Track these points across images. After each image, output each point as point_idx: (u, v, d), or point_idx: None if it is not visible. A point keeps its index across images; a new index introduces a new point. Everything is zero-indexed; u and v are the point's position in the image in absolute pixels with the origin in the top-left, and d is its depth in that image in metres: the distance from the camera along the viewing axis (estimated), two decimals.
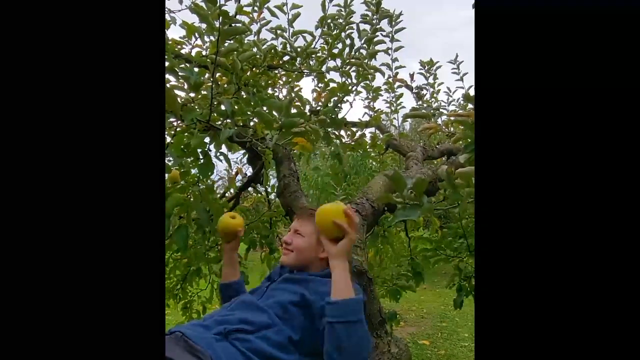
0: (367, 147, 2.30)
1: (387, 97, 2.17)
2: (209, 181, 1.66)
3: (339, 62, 1.77)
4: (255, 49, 1.58)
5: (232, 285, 1.30)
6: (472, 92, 2.15)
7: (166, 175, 1.34)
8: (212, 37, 1.46)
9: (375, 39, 1.73)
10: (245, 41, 1.57)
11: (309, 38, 1.77)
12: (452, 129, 2.15)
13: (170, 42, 1.69)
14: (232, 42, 1.36)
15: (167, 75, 1.18)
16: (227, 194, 2.32)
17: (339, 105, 1.85)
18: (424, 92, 2.32)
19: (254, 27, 1.70)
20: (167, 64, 1.17)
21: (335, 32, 1.74)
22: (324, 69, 1.81)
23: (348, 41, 1.74)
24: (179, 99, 1.34)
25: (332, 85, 1.86)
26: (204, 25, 1.32)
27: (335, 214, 0.95)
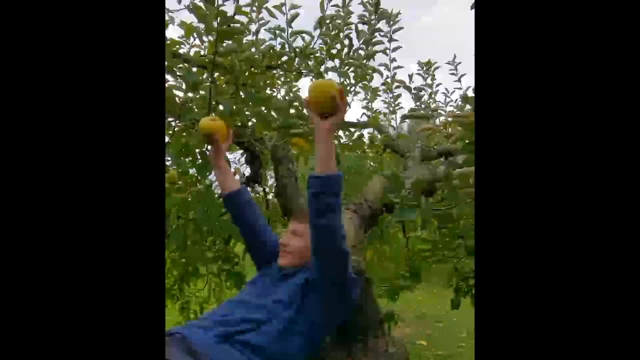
0: (365, 147, 2.30)
1: (386, 98, 2.17)
2: (207, 181, 1.66)
3: (337, 62, 1.77)
4: (253, 49, 1.58)
5: (232, 197, 1.25)
6: (470, 93, 2.16)
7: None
8: (210, 37, 1.46)
9: (374, 40, 1.73)
10: (244, 41, 1.56)
11: (307, 38, 1.77)
12: (450, 129, 2.15)
13: (168, 42, 1.69)
14: (230, 42, 1.36)
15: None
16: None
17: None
18: (422, 92, 2.33)
19: (253, 28, 1.70)
20: (165, 63, 1.16)
21: (333, 32, 1.74)
22: (322, 69, 1.81)
23: (346, 41, 1.74)
24: (177, 99, 1.34)
25: None
26: (202, 25, 1.31)
27: (330, 88, 0.96)
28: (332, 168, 0.97)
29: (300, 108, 1.52)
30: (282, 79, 2.03)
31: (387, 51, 1.85)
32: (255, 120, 1.49)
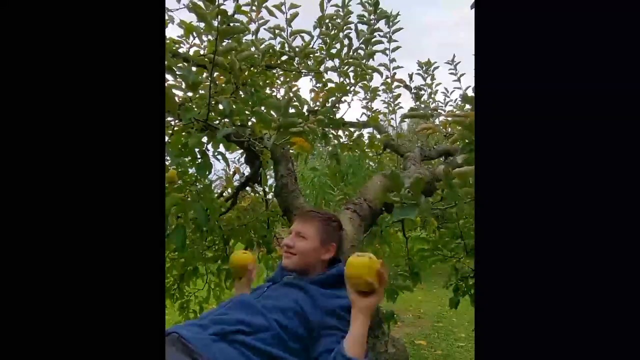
0: (365, 147, 2.30)
1: (385, 98, 2.18)
2: (206, 181, 1.66)
3: (337, 62, 1.77)
4: (253, 49, 1.58)
5: None
6: (470, 93, 2.16)
7: None
8: (210, 37, 1.46)
9: (373, 39, 1.73)
10: (244, 41, 1.56)
11: (307, 38, 1.77)
12: (449, 129, 2.16)
13: (168, 41, 1.69)
14: (230, 41, 1.36)
15: None
16: (224, 194, 2.32)
17: (337, 105, 1.85)
18: (422, 92, 2.32)
19: (252, 27, 1.70)
20: (165, 63, 1.16)
21: (333, 32, 1.74)
22: (322, 68, 1.81)
23: (346, 41, 1.74)
24: (176, 98, 1.34)
25: (330, 85, 1.86)
26: (202, 25, 1.31)
27: (368, 271, 0.92)
28: (361, 354, 0.90)
29: (299, 107, 1.52)
30: (282, 78, 2.03)
31: (387, 51, 1.85)
32: (254, 120, 1.49)
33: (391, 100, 2.17)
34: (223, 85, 1.55)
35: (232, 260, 1.26)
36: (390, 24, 1.80)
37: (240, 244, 1.37)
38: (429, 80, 2.30)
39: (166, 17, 1.68)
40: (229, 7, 1.24)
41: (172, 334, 0.88)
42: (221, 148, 1.33)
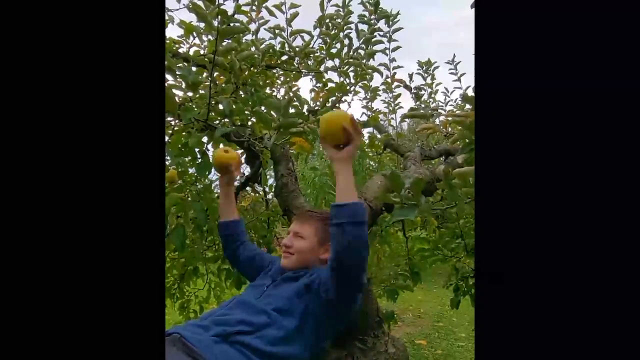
0: (365, 147, 2.30)
1: (385, 98, 2.17)
2: (206, 180, 1.66)
3: (337, 62, 1.76)
4: (253, 49, 1.58)
5: (229, 225, 1.31)
6: (470, 93, 2.15)
7: None
8: (210, 36, 1.46)
9: (374, 39, 1.73)
10: (244, 40, 1.56)
11: (307, 38, 1.77)
12: (450, 129, 2.16)
13: (168, 41, 1.69)
14: (230, 41, 1.36)
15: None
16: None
17: (337, 105, 1.85)
18: (422, 92, 2.32)
19: (252, 27, 1.70)
20: (165, 63, 1.16)
21: (333, 32, 1.74)
22: (322, 68, 1.81)
23: (346, 41, 1.74)
24: (176, 98, 1.34)
25: (330, 85, 1.86)
26: (202, 24, 1.31)
27: (341, 119, 0.95)
28: (354, 197, 0.94)
29: (299, 107, 1.52)
30: (282, 78, 2.03)
31: (387, 51, 1.85)
32: (254, 120, 1.49)
33: (391, 100, 2.16)
34: (223, 85, 1.55)
35: (214, 158, 1.27)
36: (390, 23, 1.80)
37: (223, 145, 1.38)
38: (429, 80, 2.30)
39: (166, 17, 1.68)
40: (229, 7, 1.24)
41: (174, 334, 0.88)
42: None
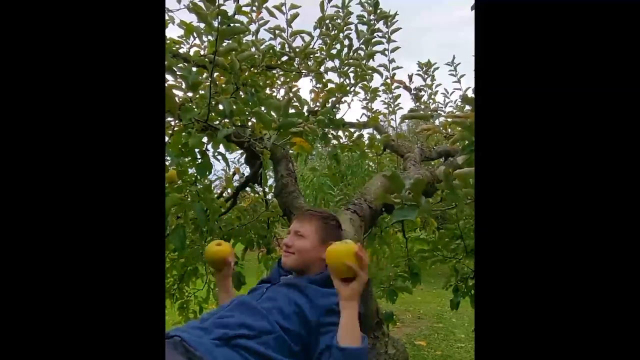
0: (365, 147, 2.30)
1: (385, 98, 2.17)
2: (206, 181, 1.66)
3: (337, 62, 1.77)
4: (253, 49, 1.58)
5: None
6: (470, 94, 2.16)
7: None
8: (210, 37, 1.46)
9: (373, 40, 1.73)
10: (244, 41, 1.56)
11: (307, 38, 1.77)
12: (450, 130, 2.16)
13: (168, 42, 1.69)
14: (230, 41, 1.36)
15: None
16: (224, 194, 2.32)
17: (337, 105, 1.85)
18: (422, 93, 2.32)
19: (253, 27, 1.70)
20: (165, 63, 1.16)
21: (333, 32, 1.74)
22: (322, 69, 1.81)
23: (346, 42, 1.74)
24: (176, 99, 1.34)
25: (330, 85, 1.86)
26: (202, 25, 1.31)
27: (346, 255, 0.93)
28: (356, 341, 0.90)
29: (299, 108, 1.52)
30: (282, 78, 2.03)
31: (386, 52, 1.85)
32: (255, 120, 1.49)
33: (391, 100, 2.16)
34: (223, 85, 1.55)
35: (206, 254, 1.25)
36: (389, 24, 1.80)
37: (225, 240, 1.38)
38: (429, 81, 2.30)
39: (166, 18, 1.68)
40: (230, 8, 1.24)
41: (175, 337, 0.88)
42: (221, 148, 1.33)
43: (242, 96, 1.51)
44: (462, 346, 3.47)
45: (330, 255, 0.96)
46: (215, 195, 2.08)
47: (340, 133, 2.11)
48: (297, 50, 1.77)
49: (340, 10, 1.74)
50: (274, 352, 0.91)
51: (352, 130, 2.21)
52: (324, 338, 0.95)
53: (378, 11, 1.71)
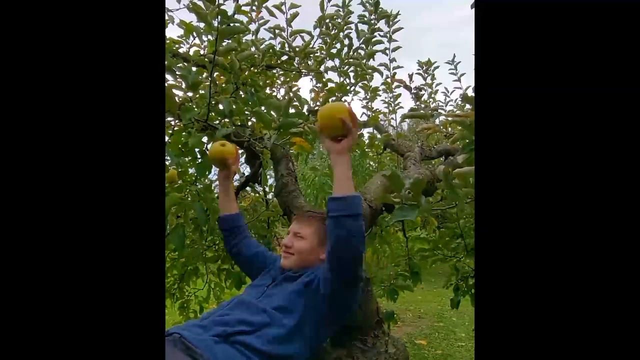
0: (365, 147, 2.30)
1: (385, 98, 2.17)
2: (206, 180, 1.66)
3: (337, 62, 1.76)
4: (253, 49, 1.58)
5: (229, 219, 1.31)
6: (470, 93, 2.15)
7: None
8: (210, 37, 1.46)
9: (374, 39, 1.73)
10: (244, 41, 1.56)
11: (307, 38, 1.77)
12: (450, 129, 2.15)
13: (168, 41, 1.69)
14: (230, 41, 1.36)
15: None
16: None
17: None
18: (422, 92, 2.32)
19: (252, 27, 1.70)
20: (165, 63, 1.16)
21: (333, 32, 1.74)
22: (322, 68, 1.81)
23: (346, 41, 1.74)
24: (176, 98, 1.34)
25: (330, 85, 1.86)
26: (202, 25, 1.31)
27: (340, 112, 0.95)
28: (350, 189, 0.94)
29: (299, 107, 1.52)
30: (282, 78, 2.03)
31: (387, 51, 1.85)
32: (254, 120, 1.49)
33: (391, 100, 2.16)
34: (223, 85, 1.55)
35: (210, 153, 1.26)
36: (390, 23, 1.79)
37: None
38: (429, 80, 2.30)
39: (166, 17, 1.68)
40: (229, 7, 1.24)
41: (174, 334, 0.88)
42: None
43: (242, 96, 1.51)
44: (462, 345, 3.47)
45: (323, 112, 0.97)
46: (216, 195, 2.08)
47: None
48: (297, 49, 1.77)
49: (341, 9, 1.74)
50: (273, 344, 0.91)
51: None
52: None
53: (379, 10, 1.71)
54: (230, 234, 1.30)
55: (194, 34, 1.65)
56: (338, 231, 0.92)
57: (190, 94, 1.44)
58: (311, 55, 1.80)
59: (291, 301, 0.98)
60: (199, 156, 1.31)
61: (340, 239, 0.92)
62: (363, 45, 1.73)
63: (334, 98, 1.81)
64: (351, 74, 1.78)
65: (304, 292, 1.00)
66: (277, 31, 1.75)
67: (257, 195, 2.38)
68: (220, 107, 1.29)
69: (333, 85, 1.83)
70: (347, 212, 0.91)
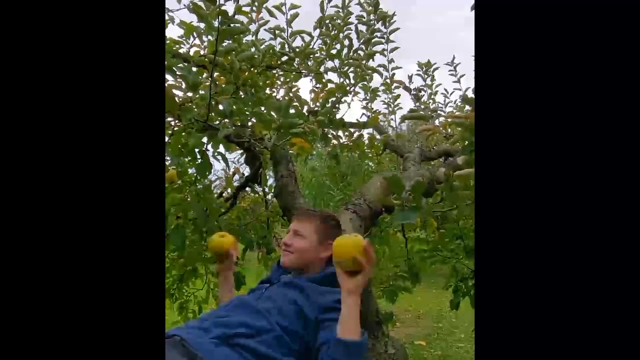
0: (365, 148, 2.30)
1: (385, 98, 2.17)
2: (206, 181, 1.66)
3: (337, 62, 1.76)
4: (253, 49, 1.58)
5: None
6: (470, 94, 2.16)
7: None
8: (210, 37, 1.46)
9: (373, 40, 1.73)
10: (244, 41, 1.56)
11: (307, 38, 1.77)
12: (450, 130, 2.16)
13: (168, 42, 1.69)
14: (230, 42, 1.36)
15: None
16: (224, 194, 2.32)
17: (337, 105, 1.85)
18: (422, 93, 2.32)
19: (253, 27, 1.69)
20: (165, 63, 1.16)
21: (333, 32, 1.74)
22: (322, 69, 1.81)
23: (346, 42, 1.74)
24: (176, 99, 1.34)
25: (330, 85, 1.86)
26: (202, 25, 1.31)
27: (353, 248, 0.92)
28: (355, 334, 0.89)
29: (299, 108, 1.52)
30: (282, 78, 2.03)
31: (386, 52, 1.85)
32: (254, 120, 1.49)
33: (391, 100, 2.16)
34: (223, 85, 1.55)
35: (211, 246, 1.24)
36: (387, 24, 1.79)
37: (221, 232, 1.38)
38: (428, 81, 2.30)
39: (166, 18, 1.68)
40: (230, 8, 1.24)
41: (174, 336, 0.88)
42: (221, 148, 1.33)
43: (242, 96, 1.51)
44: (461, 346, 3.47)
45: (338, 247, 0.95)
46: (215, 195, 2.08)
47: (340, 133, 2.11)
48: (297, 50, 1.77)
49: (340, 10, 1.74)
50: (273, 351, 0.91)
51: (352, 130, 2.21)
52: (323, 333, 0.95)
53: (378, 11, 1.71)
54: None
55: (194, 34, 1.65)
56: None
57: (190, 94, 1.44)
58: (311, 56, 1.80)
59: (288, 320, 0.97)
60: (198, 156, 1.31)
61: None
62: (363, 46, 1.74)
63: (333, 99, 1.81)
64: (351, 75, 1.78)
65: (300, 317, 0.98)
66: (277, 32, 1.75)
67: (257, 195, 2.38)
68: (221, 107, 1.29)
69: (333, 85, 1.83)
70: (348, 358, 0.88)
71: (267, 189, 2.15)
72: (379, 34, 1.76)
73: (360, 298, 0.93)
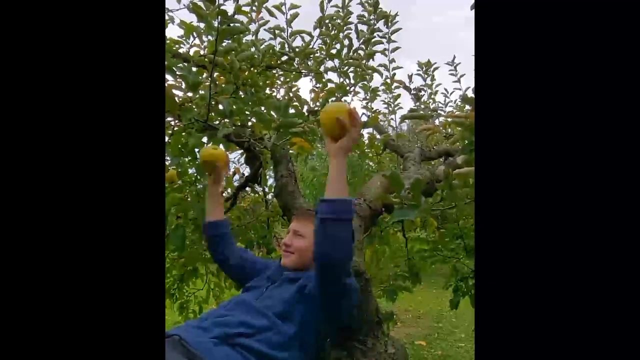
0: (365, 147, 2.30)
1: (385, 98, 2.17)
2: (206, 181, 1.66)
3: (337, 62, 1.76)
4: (253, 49, 1.58)
5: (216, 225, 1.28)
6: (470, 94, 2.16)
7: None
8: (210, 37, 1.46)
9: (373, 40, 1.73)
10: (244, 41, 1.56)
11: (307, 38, 1.77)
12: (450, 130, 2.16)
13: (168, 42, 1.69)
14: (230, 41, 1.36)
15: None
16: (224, 194, 2.32)
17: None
18: (422, 93, 2.32)
19: (252, 27, 1.70)
20: (165, 63, 1.16)
21: (333, 32, 1.74)
22: (322, 69, 1.81)
23: (346, 42, 1.74)
24: (176, 99, 1.34)
25: (330, 85, 1.86)
26: (202, 25, 1.31)
27: (339, 112, 0.94)
28: (343, 192, 0.91)
29: (299, 108, 1.52)
30: (282, 78, 2.03)
31: (386, 52, 1.85)
32: (254, 120, 1.49)
33: (391, 100, 2.16)
34: (223, 85, 1.55)
35: (200, 156, 1.25)
36: (389, 24, 1.80)
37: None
38: (428, 81, 2.30)
39: (166, 18, 1.68)
40: (229, 8, 1.24)
41: (174, 336, 0.88)
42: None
43: (242, 96, 1.51)
44: (462, 346, 3.47)
45: (323, 113, 0.96)
46: None
47: None
48: (297, 50, 1.77)
49: (340, 10, 1.74)
50: (274, 349, 0.91)
51: None
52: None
53: (378, 11, 1.71)
54: (217, 240, 1.27)
55: (194, 34, 1.65)
56: (323, 234, 0.88)
57: (190, 94, 1.44)
58: (311, 56, 1.80)
59: (290, 308, 0.97)
60: (198, 156, 1.31)
61: (325, 243, 0.88)
62: (363, 46, 1.74)
63: (333, 98, 1.81)
64: (351, 75, 1.78)
65: (301, 298, 0.99)
66: (277, 31, 1.75)
67: (257, 195, 2.38)
68: (220, 107, 1.29)
69: (333, 85, 1.83)
70: (335, 216, 0.88)
71: (267, 189, 2.15)
72: (379, 34, 1.77)
73: (345, 159, 0.95)
